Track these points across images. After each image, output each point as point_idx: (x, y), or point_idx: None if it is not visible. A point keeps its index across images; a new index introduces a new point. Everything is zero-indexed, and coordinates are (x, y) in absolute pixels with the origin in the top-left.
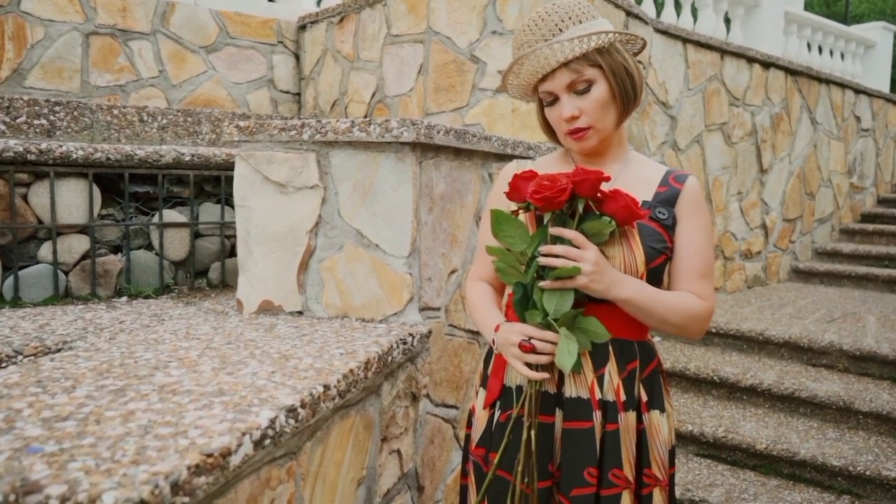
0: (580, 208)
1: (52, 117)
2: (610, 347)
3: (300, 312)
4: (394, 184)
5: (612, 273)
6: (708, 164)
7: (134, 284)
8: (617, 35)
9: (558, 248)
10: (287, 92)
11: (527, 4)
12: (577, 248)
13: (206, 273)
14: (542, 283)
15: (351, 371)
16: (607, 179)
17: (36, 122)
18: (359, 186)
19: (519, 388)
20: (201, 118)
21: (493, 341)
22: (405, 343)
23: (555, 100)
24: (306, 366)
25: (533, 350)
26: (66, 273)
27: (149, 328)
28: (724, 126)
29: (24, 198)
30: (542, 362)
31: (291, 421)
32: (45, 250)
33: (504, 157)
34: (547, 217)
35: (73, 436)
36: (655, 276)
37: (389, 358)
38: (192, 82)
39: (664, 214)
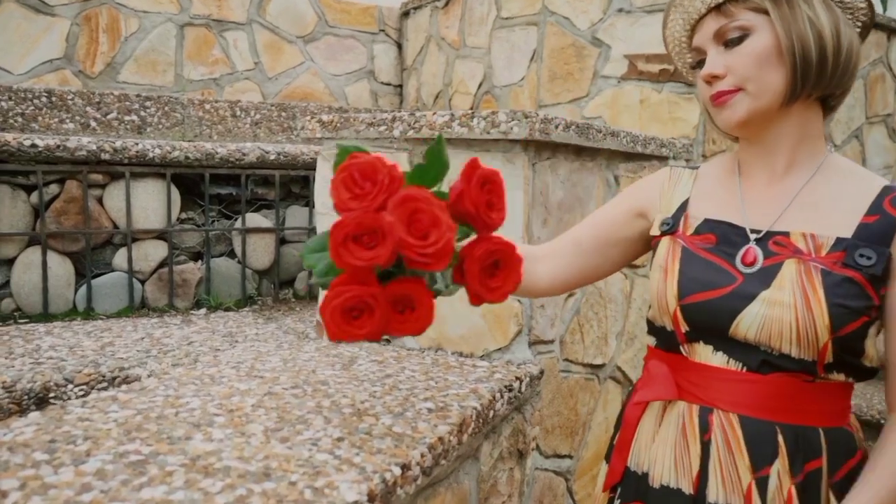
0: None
1: (142, 113)
2: (780, 436)
3: (387, 340)
4: None
5: None
6: (868, 162)
7: (214, 295)
8: None
9: None
10: (388, 84)
11: None
12: None
13: (292, 283)
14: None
15: (440, 440)
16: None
17: (127, 118)
18: None
19: (645, 476)
20: (296, 113)
21: None
22: (511, 390)
23: (703, 60)
24: (383, 430)
25: None
26: (143, 282)
27: (216, 354)
28: (889, 118)
29: (99, 200)
30: None
31: None
32: (120, 257)
33: (633, 157)
34: None
35: None
36: (849, 349)
37: (491, 413)
38: (289, 74)
39: (870, 259)
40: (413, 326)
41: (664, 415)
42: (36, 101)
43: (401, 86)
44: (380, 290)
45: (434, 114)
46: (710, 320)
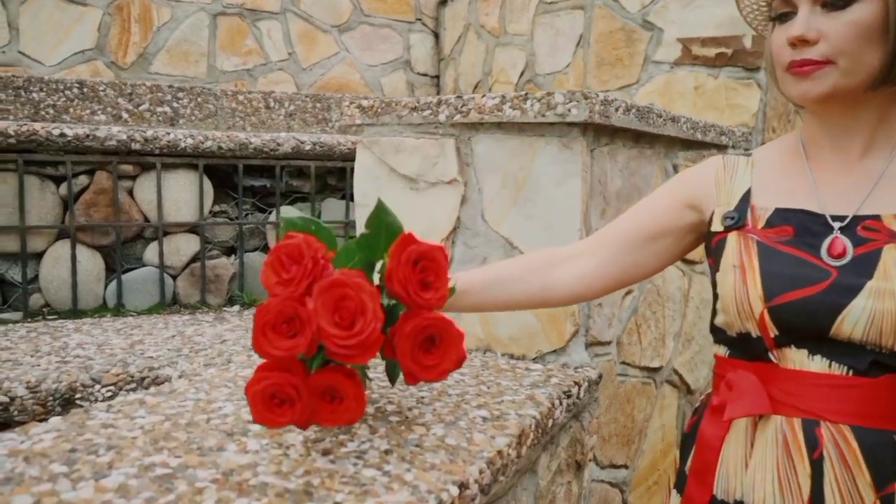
0: None
1: (175, 104)
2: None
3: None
4: (556, 178)
5: None
6: None
7: (247, 292)
8: None
9: None
10: (425, 74)
11: None
12: None
13: None
14: None
15: (499, 453)
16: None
17: (159, 109)
18: (509, 181)
19: None
20: (331, 104)
21: None
22: (569, 396)
23: (789, 14)
24: (435, 441)
25: None
26: (174, 277)
27: (250, 354)
28: None
29: (130, 192)
30: None
31: None
32: (150, 252)
33: (692, 145)
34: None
35: None
36: None
37: (550, 422)
38: (323, 65)
39: None
40: (342, 417)
41: (756, 432)
42: (67, 92)
43: (438, 76)
44: (302, 380)
45: (483, 96)
46: (806, 321)
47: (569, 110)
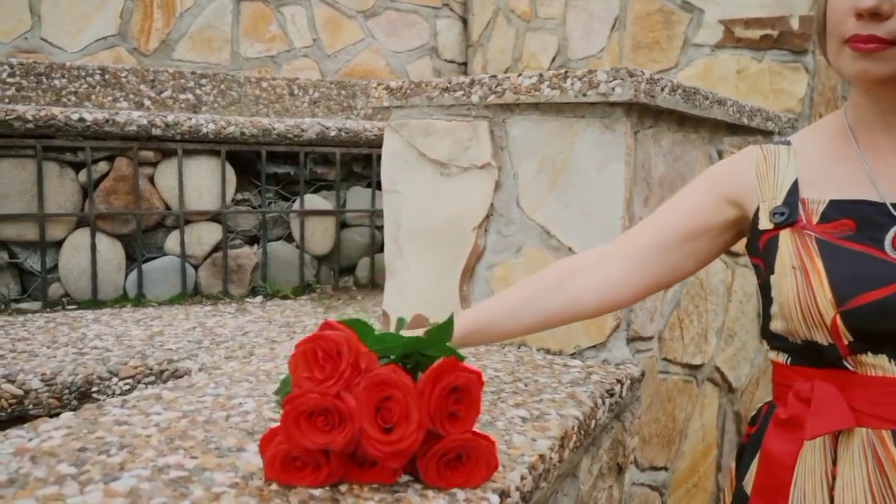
0: None
1: (198, 91)
2: None
3: None
4: (598, 162)
5: None
6: None
7: (270, 282)
8: None
9: None
10: (452, 61)
11: None
12: None
13: (353, 270)
14: None
15: (541, 458)
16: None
17: (181, 96)
18: (547, 166)
19: None
20: (356, 91)
21: None
22: (612, 395)
23: None
24: None
25: None
26: (196, 267)
27: (273, 346)
28: None
29: (150, 179)
30: None
31: None
32: (172, 241)
33: (737, 130)
34: None
35: None
36: None
37: (593, 423)
38: (348, 52)
39: None
40: (378, 478)
41: (837, 447)
42: (89, 78)
43: (465, 63)
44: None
45: (519, 75)
46: (885, 325)
47: (612, 89)
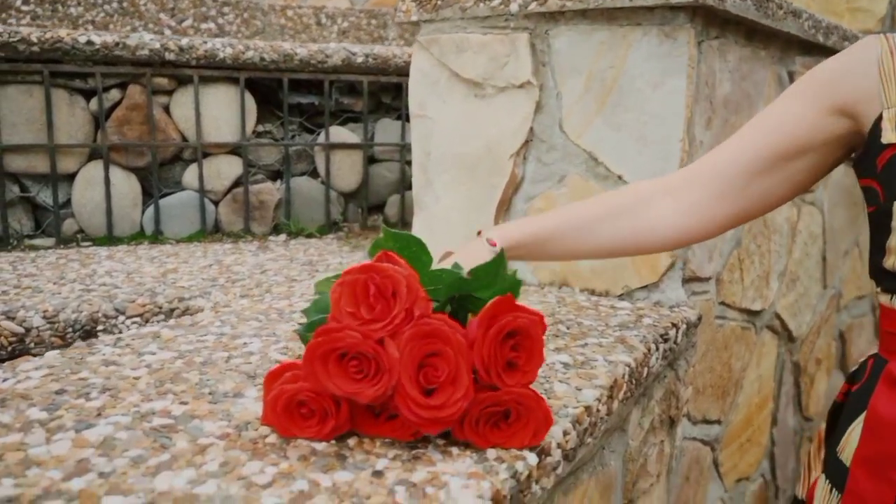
0: None
1: (220, 20)
2: None
3: None
4: (654, 77)
5: None
6: None
7: (294, 220)
8: None
9: None
10: None
11: None
12: None
13: (381, 207)
14: None
15: (587, 410)
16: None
17: (203, 25)
18: (594, 83)
19: None
20: (387, 20)
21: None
22: (666, 340)
23: None
24: None
25: None
26: (216, 203)
27: (291, 285)
28: None
29: (166, 109)
30: None
31: None
32: (190, 175)
33: (811, 49)
34: None
35: None
36: None
37: (645, 370)
38: None
39: None
40: (395, 433)
41: None
42: (106, 6)
43: None
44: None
45: None
46: None
47: None
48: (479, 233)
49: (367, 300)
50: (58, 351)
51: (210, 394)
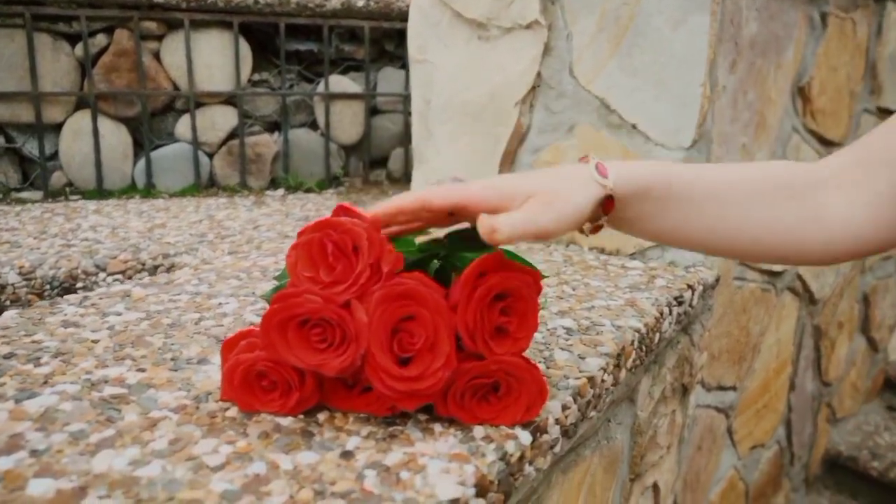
0: None
1: None
2: None
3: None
4: (675, 14)
5: None
6: None
7: (293, 174)
8: None
9: None
10: None
11: None
12: None
13: (385, 162)
14: None
15: (591, 381)
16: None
17: None
18: (608, 23)
19: None
20: None
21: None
22: (680, 303)
23: None
24: None
25: None
26: (210, 156)
27: (283, 241)
28: None
29: (156, 56)
30: None
31: None
32: (182, 125)
33: None
34: None
35: None
36: None
37: (657, 336)
38: None
39: None
40: (369, 407)
41: None
42: None
43: None
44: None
45: None
46: None
47: None
48: (582, 158)
49: (325, 260)
50: (17, 310)
51: (172, 360)
